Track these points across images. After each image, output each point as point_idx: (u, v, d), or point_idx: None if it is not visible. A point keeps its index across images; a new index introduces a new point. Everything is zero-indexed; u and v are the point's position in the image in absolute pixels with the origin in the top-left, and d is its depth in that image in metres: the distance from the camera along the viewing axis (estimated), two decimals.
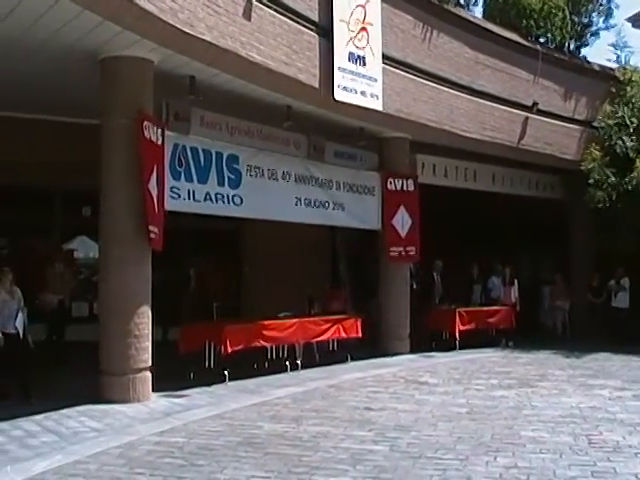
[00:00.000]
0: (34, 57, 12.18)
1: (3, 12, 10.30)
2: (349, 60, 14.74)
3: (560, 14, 21.18)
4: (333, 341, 16.45)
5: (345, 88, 14.67)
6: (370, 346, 17.36)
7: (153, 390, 12.14)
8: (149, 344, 12.08)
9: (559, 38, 21.23)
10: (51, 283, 15.32)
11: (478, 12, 22.63)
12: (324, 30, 14.30)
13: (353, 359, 16.41)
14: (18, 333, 11.44)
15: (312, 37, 14.06)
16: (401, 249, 18.11)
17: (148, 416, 10.88)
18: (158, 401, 11.93)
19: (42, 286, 15.20)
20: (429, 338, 19.03)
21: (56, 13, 10.32)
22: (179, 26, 11.15)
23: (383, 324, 18.30)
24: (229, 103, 14.27)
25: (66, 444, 9.17)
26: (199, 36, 11.52)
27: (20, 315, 11.60)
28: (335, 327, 16.09)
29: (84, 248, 18.67)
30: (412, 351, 18.04)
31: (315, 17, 14.11)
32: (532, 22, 20.74)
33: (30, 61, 12.39)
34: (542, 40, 20.98)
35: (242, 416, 10.91)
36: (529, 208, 22.43)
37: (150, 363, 12.06)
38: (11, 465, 8.13)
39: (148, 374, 12.05)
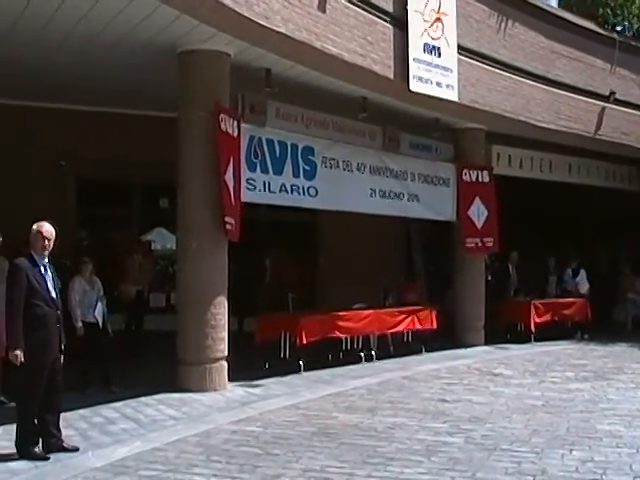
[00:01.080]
0: (113, 52, 12.40)
1: (84, 9, 10.49)
2: (424, 51, 14.68)
3: (637, 2, 20.84)
4: (408, 332, 16.43)
5: (420, 79, 14.62)
6: (445, 338, 17.29)
7: (229, 380, 12.27)
8: (225, 334, 12.20)
9: (636, 26, 20.88)
10: (130, 274, 15.57)
11: (554, 1, 22.38)
12: (399, 21, 14.24)
13: (427, 350, 16.40)
14: (98, 323, 11.65)
15: (387, 28, 14.03)
16: (477, 240, 17.99)
17: (224, 405, 11.01)
18: (234, 390, 12.05)
19: (121, 277, 15.46)
20: (504, 330, 18.89)
21: (134, 8, 10.48)
22: (255, 19, 11.22)
23: (458, 316, 18.24)
24: (304, 95, 14.32)
25: (145, 431, 9.33)
26: (275, 28, 11.57)
27: (99, 305, 11.80)
28: (410, 318, 16.07)
29: (161, 239, 18.93)
30: (487, 343, 17.95)
31: (390, 8, 14.07)
32: (609, 10, 20.48)
33: (110, 56, 12.61)
34: (619, 28, 20.69)
35: (317, 406, 10.98)
36: (608, 199, 22.09)
37: (226, 353, 12.19)
38: (92, 451, 8.31)
39: (224, 364, 12.19)
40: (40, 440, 8.17)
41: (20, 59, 12.82)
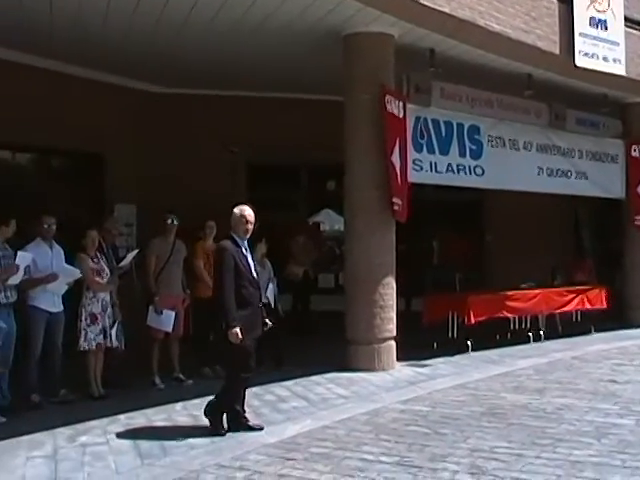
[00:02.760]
0: (280, 38, 12.65)
1: None
2: (590, 25, 14.37)
3: None
4: (576, 312, 16.16)
5: (586, 54, 14.32)
6: (615, 317, 16.89)
7: (397, 359, 12.37)
8: (394, 314, 12.30)
9: None
10: (295, 255, 15.87)
11: None
12: None
13: (597, 330, 16.08)
14: (270, 303, 11.92)
15: (551, 3, 13.80)
16: None
17: (393, 385, 11.12)
18: (402, 370, 12.15)
19: (287, 258, 15.79)
20: None
21: None
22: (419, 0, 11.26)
23: (628, 295, 17.74)
24: (468, 74, 14.21)
25: (315, 409, 9.53)
26: (438, 8, 11.56)
27: (271, 286, 12.12)
28: (579, 298, 15.81)
29: (329, 221, 19.17)
30: None
31: None
32: None
33: (276, 42, 12.87)
34: None
35: (485, 386, 10.96)
36: None
37: (395, 333, 12.29)
38: (265, 427, 8.55)
39: (393, 343, 12.30)
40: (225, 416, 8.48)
41: (189, 49, 13.27)
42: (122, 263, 11.09)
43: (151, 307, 10.97)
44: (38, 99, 13.52)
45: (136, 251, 11.40)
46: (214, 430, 8.30)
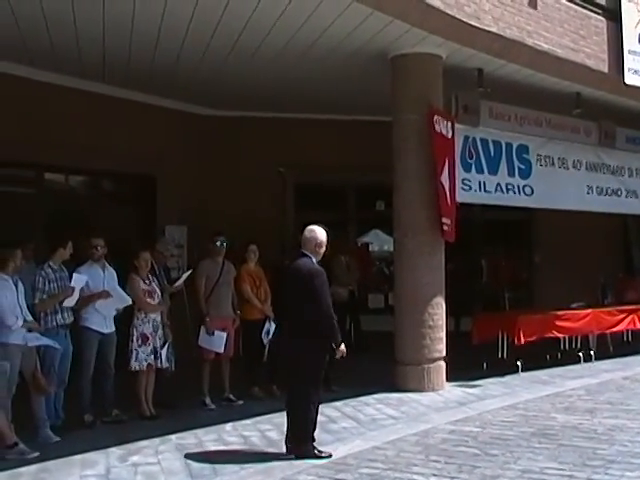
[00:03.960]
0: (327, 61, 12.73)
1: (299, 21, 10.87)
2: (639, 42, 14.28)
3: None
4: (628, 332, 16.00)
5: (636, 71, 14.20)
6: None
7: (447, 380, 12.34)
8: (443, 334, 12.28)
9: None
10: (338, 276, 15.91)
11: None
12: (612, 13, 13.93)
13: None
14: None
15: (599, 21, 13.75)
16: None
17: (442, 405, 11.09)
18: (452, 390, 12.12)
19: (330, 279, 15.79)
20: None
21: (347, 16, 10.70)
22: (465, 20, 11.27)
23: None
24: (517, 93, 14.20)
25: (364, 430, 9.54)
26: (486, 28, 11.58)
27: None
28: (630, 317, 15.60)
29: (378, 241, 19.21)
30: None
31: (602, 0, 13.79)
32: None
33: (323, 65, 12.96)
34: None
35: (535, 407, 10.88)
36: None
37: (444, 353, 12.28)
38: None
39: (442, 364, 12.28)
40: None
41: (238, 73, 13.45)
42: (176, 284, 11.24)
43: (202, 328, 11.06)
44: (91, 122, 13.77)
45: (189, 272, 11.53)
46: (317, 456, 8.20)
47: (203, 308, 11.13)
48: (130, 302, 10.16)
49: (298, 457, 8.19)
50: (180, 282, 11.26)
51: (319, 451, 8.28)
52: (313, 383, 8.29)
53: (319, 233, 8.51)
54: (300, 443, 8.28)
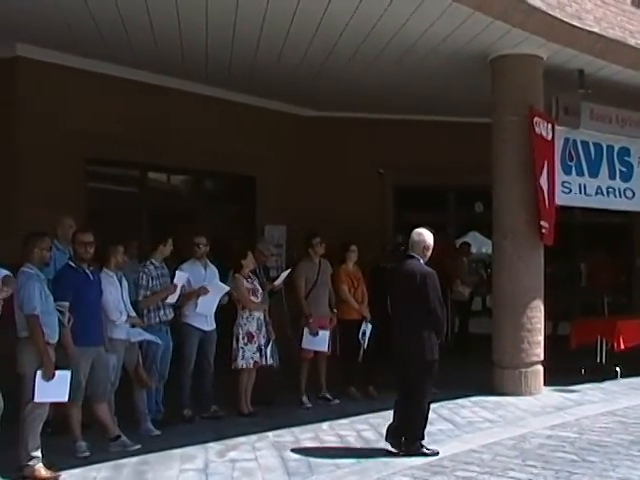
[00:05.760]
0: (426, 62, 12.72)
1: (400, 21, 10.88)
2: None
3: None
4: None
5: None
6: None
7: (545, 384, 12.22)
8: (541, 338, 12.16)
9: None
10: (461, 276, 15.89)
11: None
12: None
13: None
14: None
15: None
16: None
17: (540, 409, 10.99)
18: (549, 395, 11.99)
19: (452, 279, 15.83)
20: None
21: (448, 17, 10.67)
22: (567, 20, 11.17)
23: None
24: (618, 94, 13.94)
25: (460, 432, 9.54)
26: (587, 28, 11.47)
27: None
28: None
29: (476, 243, 19.06)
30: None
31: None
32: None
33: (422, 66, 12.96)
34: None
35: (635, 414, 10.70)
36: None
37: (542, 357, 12.15)
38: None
39: (540, 368, 12.16)
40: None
41: (339, 75, 13.53)
42: (276, 282, 11.37)
43: (306, 329, 11.14)
44: (193, 122, 14.00)
45: (288, 271, 11.64)
46: (424, 454, 8.36)
47: (305, 309, 11.23)
48: (228, 289, 10.34)
49: (406, 454, 8.34)
50: (280, 281, 11.39)
51: (427, 449, 8.42)
52: (427, 380, 8.44)
53: (427, 236, 8.65)
54: (410, 440, 8.43)
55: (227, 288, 10.34)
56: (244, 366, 10.31)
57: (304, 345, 11.16)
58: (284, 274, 11.56)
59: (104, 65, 12.71)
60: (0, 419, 7.18)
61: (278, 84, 14.27)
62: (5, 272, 7.25)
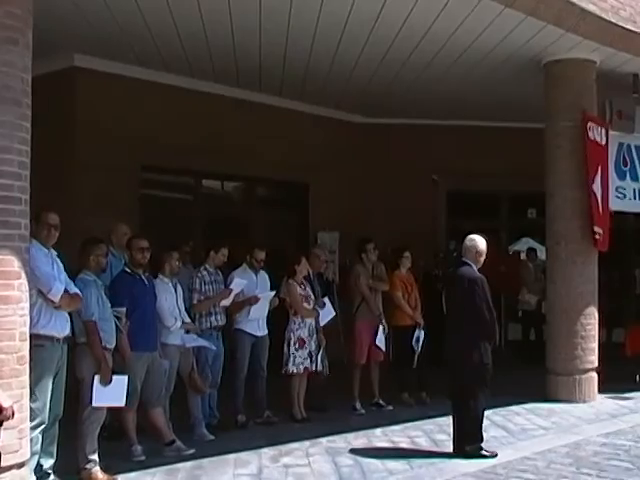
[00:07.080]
0: (478, 67, 12.73)
1: (450, 28, 10.91)
2: None
3: None
4: None
5: None
6: None
7: (599, 391, 12.12)
8: (595, 345, 12.07)
9: None
10: (528, 283, 15.82)
11: None
12: None
13: None
14: None
15: None
16: None
17: (594, 417, 10.91)
18: (604, 402, 11.89)
19: (518, 287, 15.82)
20: None
21: (500, 22, 10.66)
22: (621, 24, 11.10)
23: None
24: None
25: (514, 440, 9.48)
26: None
27: None
28: None
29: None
30: None
31: None
32: None
33: (474, 71, 12.96)
34: None
35: None
36: None
37: (596, 364, 12.06)
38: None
39: (594, 375, 12.06)
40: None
41: (389, 80, 13.56)
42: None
43: (380, 327, 11.29)
44: (247, 130, 14.10)
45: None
46: (482, 456, 8.47)
47: (375, 309, 11.36)
48: (273, 294, 10.41)
49: (465, 456, 8.42)
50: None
51: (485, 450, 8.50)
52: (479, 383, 8.50)
53: (479, 242, 8.72)
54: (467, 442, 8.51)
55: (272, 293, 10.42)
56: (294, 371, 10.38)
57: (378, 343, 11.27)
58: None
59: (159, 74, 12.93)
60: (59, 423, 7.33)
61: (331, 91, 14.36)
62: (75, 290, 7.38)
